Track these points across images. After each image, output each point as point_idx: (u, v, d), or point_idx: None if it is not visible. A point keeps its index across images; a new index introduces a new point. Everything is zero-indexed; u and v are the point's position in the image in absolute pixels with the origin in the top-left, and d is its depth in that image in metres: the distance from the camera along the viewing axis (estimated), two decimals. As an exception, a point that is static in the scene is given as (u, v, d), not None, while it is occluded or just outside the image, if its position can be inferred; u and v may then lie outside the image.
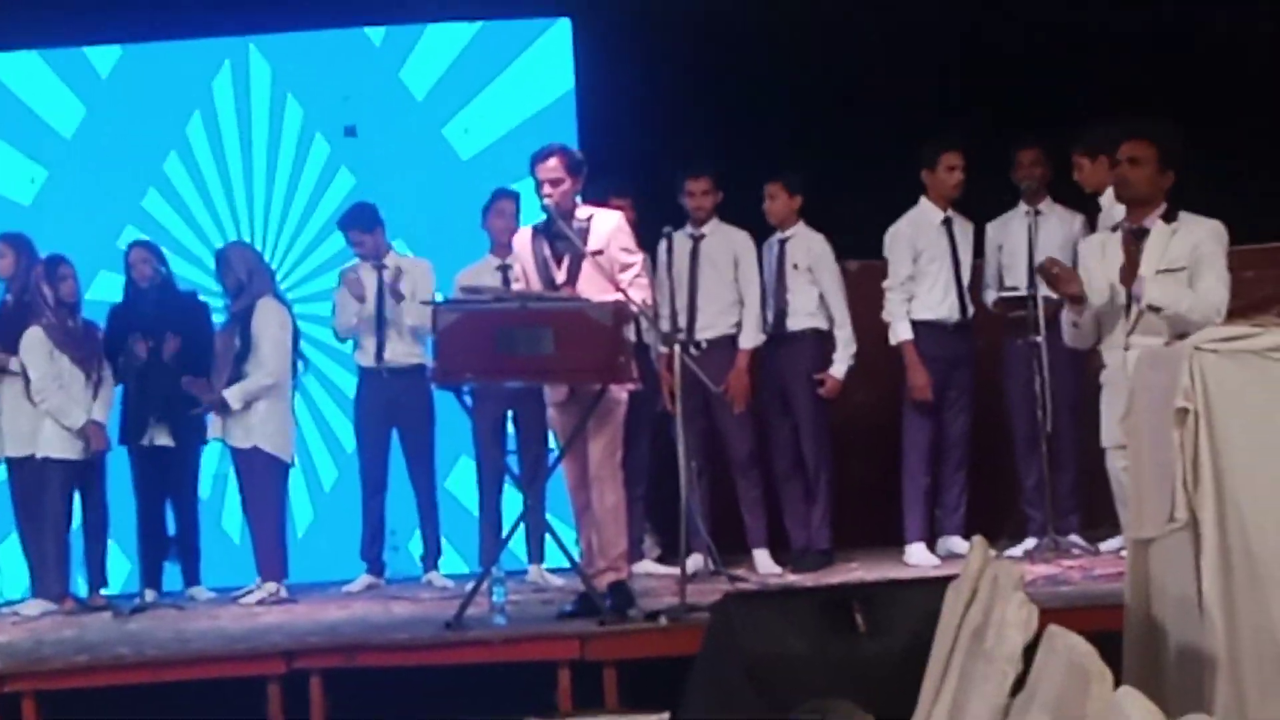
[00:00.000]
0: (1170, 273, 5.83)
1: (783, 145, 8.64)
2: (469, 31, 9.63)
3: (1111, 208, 6.92)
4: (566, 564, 7.22)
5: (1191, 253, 5.85)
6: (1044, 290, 7.50)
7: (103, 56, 9.76)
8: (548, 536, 7.54)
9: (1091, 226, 7.52)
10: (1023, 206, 7.82)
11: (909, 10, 8.07)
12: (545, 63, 9.59)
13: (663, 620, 6.44)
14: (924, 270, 7.90)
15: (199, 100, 9.77)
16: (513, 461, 8.19)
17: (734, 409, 7.93)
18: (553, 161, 6.74)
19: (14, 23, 8.18)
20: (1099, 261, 5.87)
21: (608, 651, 6.29)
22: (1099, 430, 6.14)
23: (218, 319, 8.55)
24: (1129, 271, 5.84)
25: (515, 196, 8.32)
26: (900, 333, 7.88)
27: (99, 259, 9.11)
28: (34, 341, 8.20)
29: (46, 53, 9.69)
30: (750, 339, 7.98)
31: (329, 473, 9.49)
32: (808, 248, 8.04)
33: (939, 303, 7.91)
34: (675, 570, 7.11)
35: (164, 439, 8.30)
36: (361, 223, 8.42)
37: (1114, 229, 6.04)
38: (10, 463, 8.39)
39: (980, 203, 8.04)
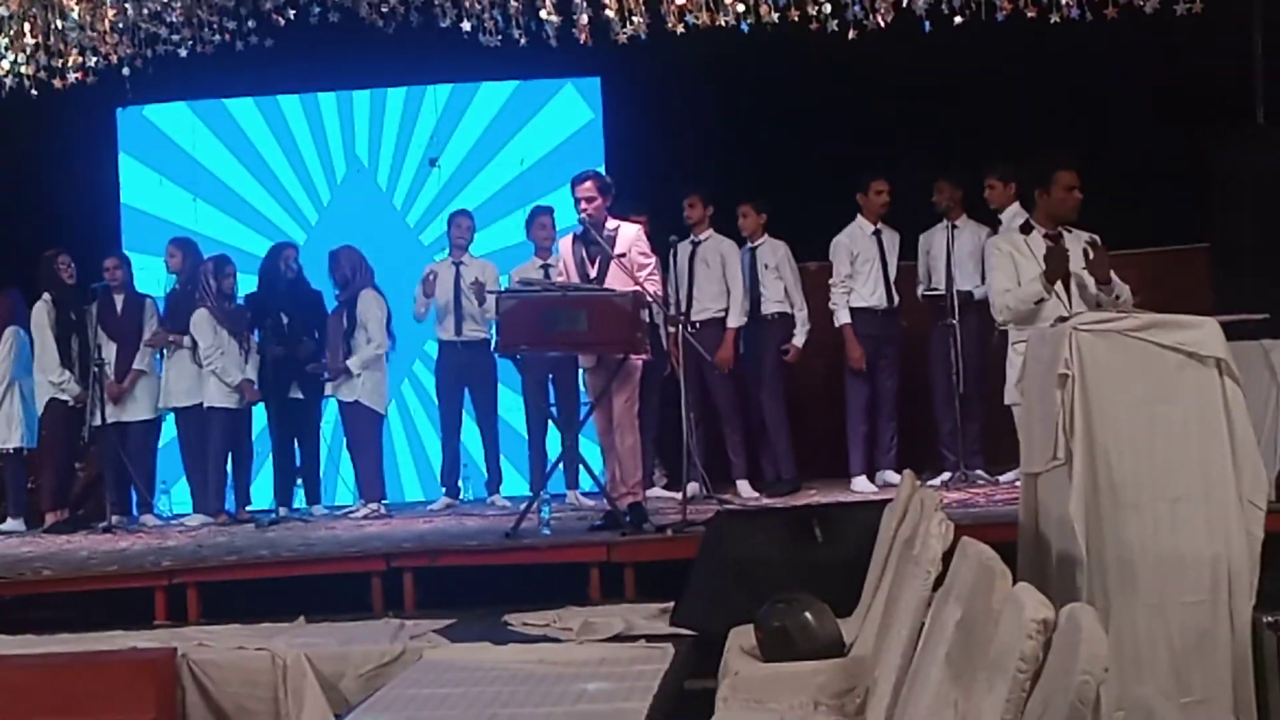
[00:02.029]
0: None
1: (760, 173, 8.62)
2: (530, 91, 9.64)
3: (1012, 220, 6.91)
4: (596, 489, 7.24)
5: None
6: (958, 286, 7.58)
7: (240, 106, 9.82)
8: (581, 468, 7.56)
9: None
10: (944, 221, 7.83)
11: (855, 70, 8.03)
12: (578, 108, 9.61)
13: (669, 532, 6.45)
14: (859, 270, 7.94)
15: (316, 136, 9.76)
16: (554, 411, 8.20)
17: (721, 372, 7.94)
18: (588, 184, 6.75)
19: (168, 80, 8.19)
20: (1026, 257, 5.73)
21: (627, 555, 6.29)
22: (999, 391, 6.11)
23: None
24: (1102, 268, 5.58)
25: (551, 211, 8.32)
26: (841, 318, 7.93)
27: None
28: (201, 319, 8.22)
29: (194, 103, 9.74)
30: (735, 320, 7.98)
31: (416, 420, 9.51)
32: (772, 252, 8.08)
33: (871, 294, 7.95)
34: (678, 495, 7.13)
35: (296, 394, 8.32)
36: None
37: (1024, 232, 5.87)
38: (178, 412, 8.43)
39: (912, 216, 8.04)
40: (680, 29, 6.95)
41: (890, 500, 4.76)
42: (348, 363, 8.14)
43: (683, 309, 7.84)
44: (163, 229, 9.36)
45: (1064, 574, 4.24)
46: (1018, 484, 5.62)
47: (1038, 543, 4.60)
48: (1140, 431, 4.21)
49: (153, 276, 8.96)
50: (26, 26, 7.34)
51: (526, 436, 8.52)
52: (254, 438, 8.55)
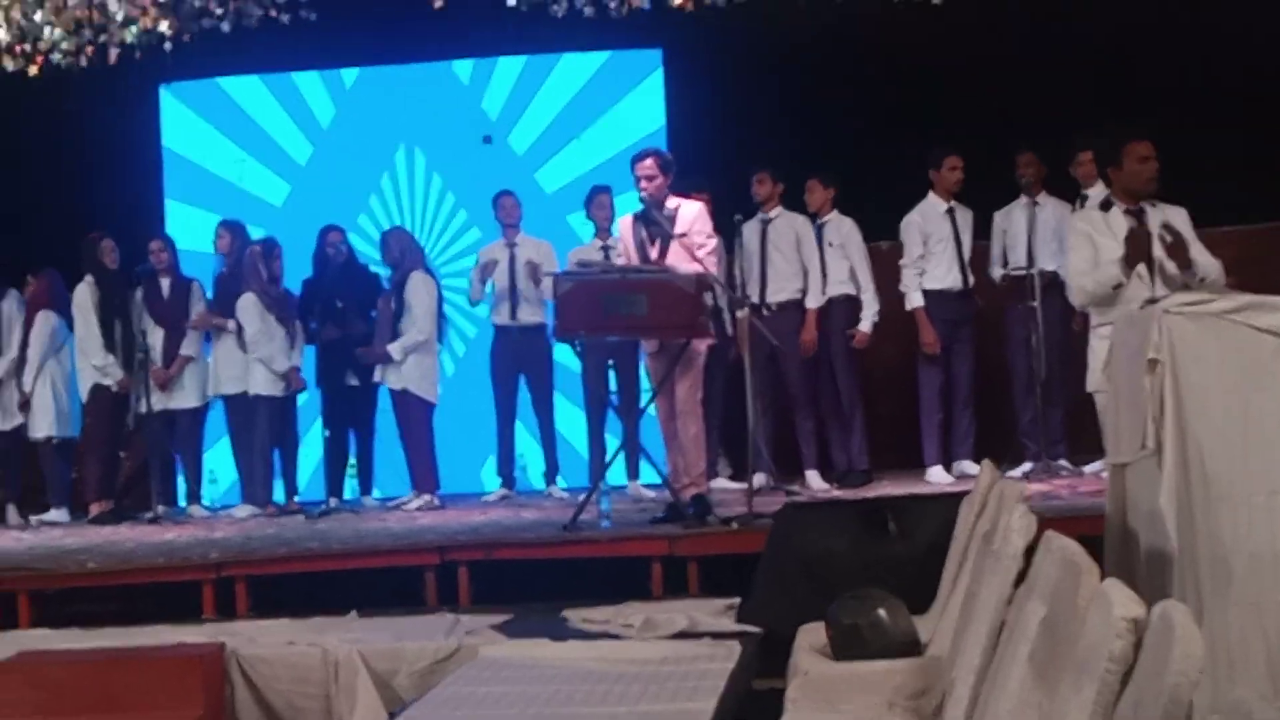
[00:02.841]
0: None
1: (827, 148, 8.58)
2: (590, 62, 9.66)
3: (1097, 197, 6.84)
4: (658, 480, 7.24)
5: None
6: (1040, 265, 7.51)
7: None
8: (643, 458, 7.56)
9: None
10: (1023, 198, 7.76)
11: (926, 40, 7.98)
12: (643, 83, 9.61)
13: (734, 525, 6.44)
14: (932, 250, 7.87)
15: (374, 115, 9.84)
16: (613, 398, 8.21)
17: (804, 357, 7.91)
18: (649, 161, 6.74)
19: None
20: (1106, 236, 5.66)
21: (690, 549, 6.29)
22: (1084, 377, 6.05)
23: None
24: (1180, 253, 5.49)
25: (609, 190, 8.32)
26: (913, 301, 7.87)
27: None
28: (248, 304, 8.28)
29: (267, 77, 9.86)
30: (814, 300, 7.96)
31: (469, 407, 9.55)
32: (839, 229, 8.03)
33: (945, 275, 7.88)
34: (744, 486, 7.11)
35: (353, 380, 8.38)
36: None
37: (1103, 208, 5.81)
38: (225, 399, 8.51)
39: (983, 193, 7.97)
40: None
41: (968, 492, 4.73)
42: (389, 348, 8.15)
43: (751, 292, 7.83)
44: (209, 187, 9.51)
45: (1154, 570, 4.20)
46: (1103, 475, 5.56)
47: (1125, 537, 4.55)
48: (1234, 420, 4.15)
49: (197, 233, 9.04)
50: (69, 1, 7.45)
51: (585, 425, 8.54)
52: (303, 426, 8.63)
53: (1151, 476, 4.23)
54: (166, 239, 8.76)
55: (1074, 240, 5.76)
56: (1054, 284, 7.62)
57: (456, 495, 8.69)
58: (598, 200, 8.31)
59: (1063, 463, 7.63)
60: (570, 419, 8.84)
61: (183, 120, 9.94)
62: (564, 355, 8.48)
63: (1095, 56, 8.40)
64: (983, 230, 8.03)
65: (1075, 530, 3.16)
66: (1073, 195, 7.71)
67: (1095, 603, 2.44)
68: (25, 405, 8.66)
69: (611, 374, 8.29)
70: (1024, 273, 7.57)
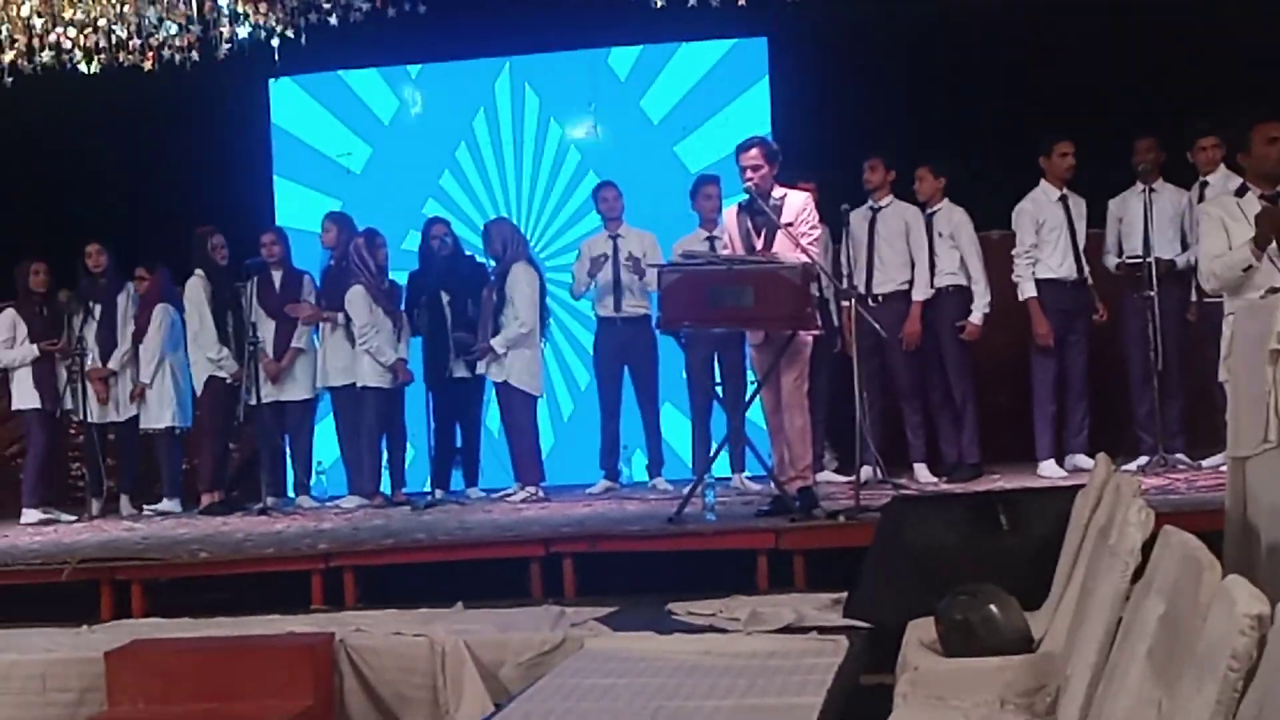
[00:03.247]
0: None
1: (935, 136, 8.51)
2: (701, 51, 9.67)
3: (1225, 183, 6.71)
4: (763, 473, 7.23)
5: None
6: (1156, 254, 7.38)
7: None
8: (748, 451, 7.54)
9: (1194, 202, 7.38)
10: (1139, 185, 7.61)
11: (1039, 23, 7.88)
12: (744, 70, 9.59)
13: (841, 518, 6.41)
14: (1045, 239, 7.74)
15: (484, 102, 9.92)
16: (718, 390, 8.19)
17: (907, 349, 7.85)
18: (754, 151, 6.71)
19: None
20: (1238, 221, 5.56)
21: (797, 542, 6.27)
22: (1201, 368, 5.93)
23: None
24: None
25: (717, 180, 8.29)
26: (1026, 291, 7.75)
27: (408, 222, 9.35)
28: (357, 296, 8.39)
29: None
30: (922, 293, 7.89)
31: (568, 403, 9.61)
32: (949, 219, 7.93)
33: (1059, 265, 7.74)
34: (851, 479, 7.08)
35: (461, 372, 8.44)
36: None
37: (1238, 195, 5.71)
38: (333, 390, 8.63)
39: (1094, 182, 7.85)
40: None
41: (1082, 486, 4.65)
42: (492, 342, 8.19)
43: (861, 281, 7.78)
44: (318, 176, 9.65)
45: (1276, 567, 4.10)
46: (1223, 469, 5.45)
47: (1246, 533, 4.45)
48: (1360, 412, 4.05)
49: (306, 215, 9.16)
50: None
51: (690, 417, 8.54)
52: (410, 418, 8.72)
53: (1274, 470, 4.14)
54: (279, 232, 8.91)
55: (1207, 225, 5.66)
56: (1171, 273, 7.49)
57: (560, 488, 8.74)
58: (704, 191, 8.29)
59: (1180, 456, 7.50)
60: (674, 411, 8.85)
61: (292, 104, 10.09)
62: (668, 347, 8.49)
63: (1214, 39, 8.21)
64: (1096, 218, 7.90)
65: (1193, 525, 3.09)
66: (1189, 182, 7.56)
67: (1217, 599, 2.40)
68: (138, 397, 8.85)
69: (716, 366, 8.28)
70: (1140, 261, 7.45)
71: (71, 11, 7.54)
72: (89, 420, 8.86)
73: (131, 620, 6.31)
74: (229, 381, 8.64)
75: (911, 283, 7.91)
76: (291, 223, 9.48)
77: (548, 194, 9.86)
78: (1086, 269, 7.78)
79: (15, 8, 7.51)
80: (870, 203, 7.99)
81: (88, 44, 7.80)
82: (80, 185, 9.57)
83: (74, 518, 8.74)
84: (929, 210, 7.99)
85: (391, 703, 5.26)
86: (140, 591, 6.54)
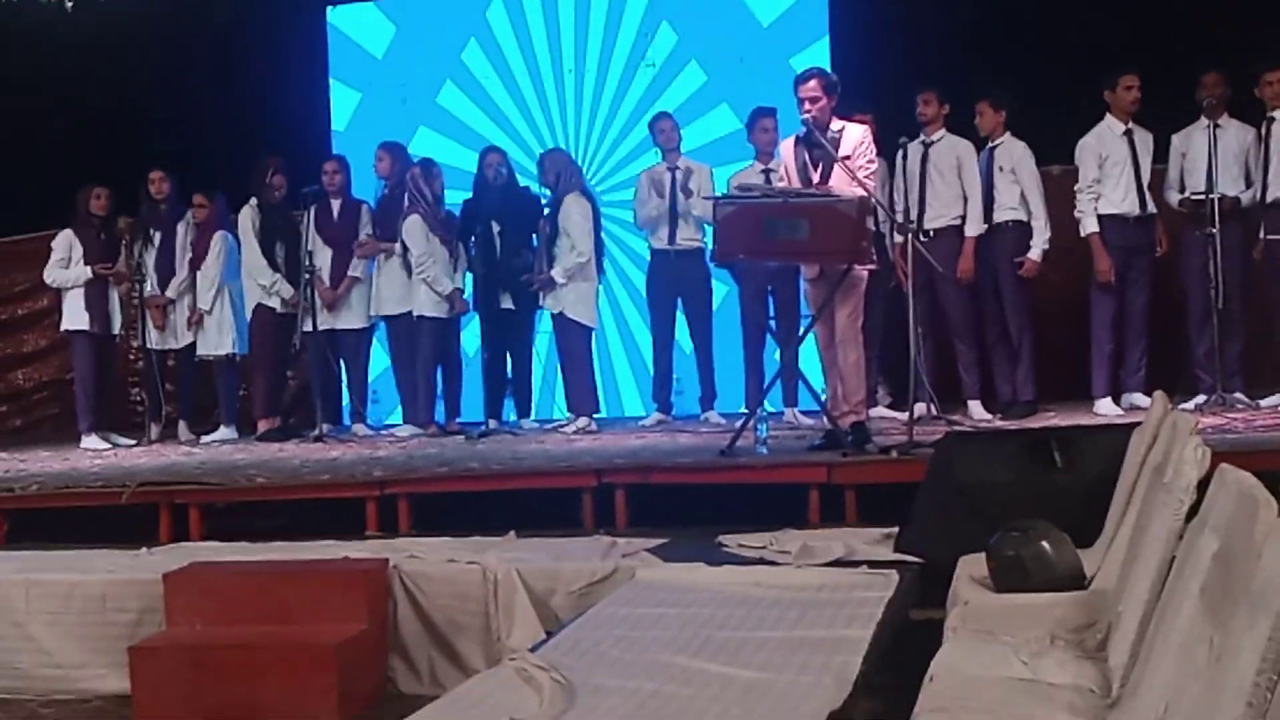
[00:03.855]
0: None
1: (994, 68, 8.40)
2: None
3: None
4: (816, 407, 7.22)
5: None
6: (1219, 191, 7.28)
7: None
8: (801, 385, 7.54)
9: (1260, 139, 7.27)
10: (1204, 120, 7.50)
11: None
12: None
13: (894, 454, 6.39)
14: (1109, 174, 7.64)
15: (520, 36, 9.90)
16: (772, 324, 8.18)
17: (960, 285, 7.81)
18: (813, 83, 6.64)
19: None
20: None
21: (849, 477, 6.27)
22: (1263, 306, 5.86)
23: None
24: None
25: (774, 113, 8.22)
26: (1088, 227, 7.66)
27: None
28: (414, 226, 8.39)
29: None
30: (974, 228, 7.82)
31: (627, 334, 9.61)
32: (1010, 153, 7.84)
33: (1122, 200, 7.64)
34: (904, 415, 7.06)
35: (508, 304, 8.45)
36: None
37: None
38: (388, 320, 8.68)
39: (1158, 116, 7.73)
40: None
41: (1138, 424, 4.62)
42: (552, 272, 8.21)
43: (912, 216, 7.72)
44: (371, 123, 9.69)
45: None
46: (1282, 409, 5.41)
47: (1305, 473, 4.41)
48: None
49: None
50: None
51: (743, 351, 8.53)
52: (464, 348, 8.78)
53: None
54: (341, 160, 8.92)
55: None
56: (1234, 210, 7.39)
57: (614, 419, 8.77)
58: (761, 124, 8.21)
59: (1239, 395, 7.43)
60: (728, 345, 8.85)
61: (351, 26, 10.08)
62: (723, 282, 8.48)
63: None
64: (1160, 154, 7.79)
65: (1251, 465, 3.07)
66: (1255, 119, 7.43)
67: (1273, 536, 2.38)
68: (195, 324, 8.93)
69: (770, 299, 8.26)
70: (1203, 198, 7.35)
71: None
72: (149, 346, 8.96)
73: (189, 543, 6.41)
74: (279, 310, 8.69)
75: (964, 218, 7.83)
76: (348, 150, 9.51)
77: (608, 125, 9.81)
78: (1151, 204, 7.68)
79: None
80: (922, 137, 7.90)
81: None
82: (142, 113, 9.64)
83: (133, 442, 8.86)
84: (991, 144, 7.90)
85: (444, 628, 5.33)
86: (198, 515, 6.64)
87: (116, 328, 8.99)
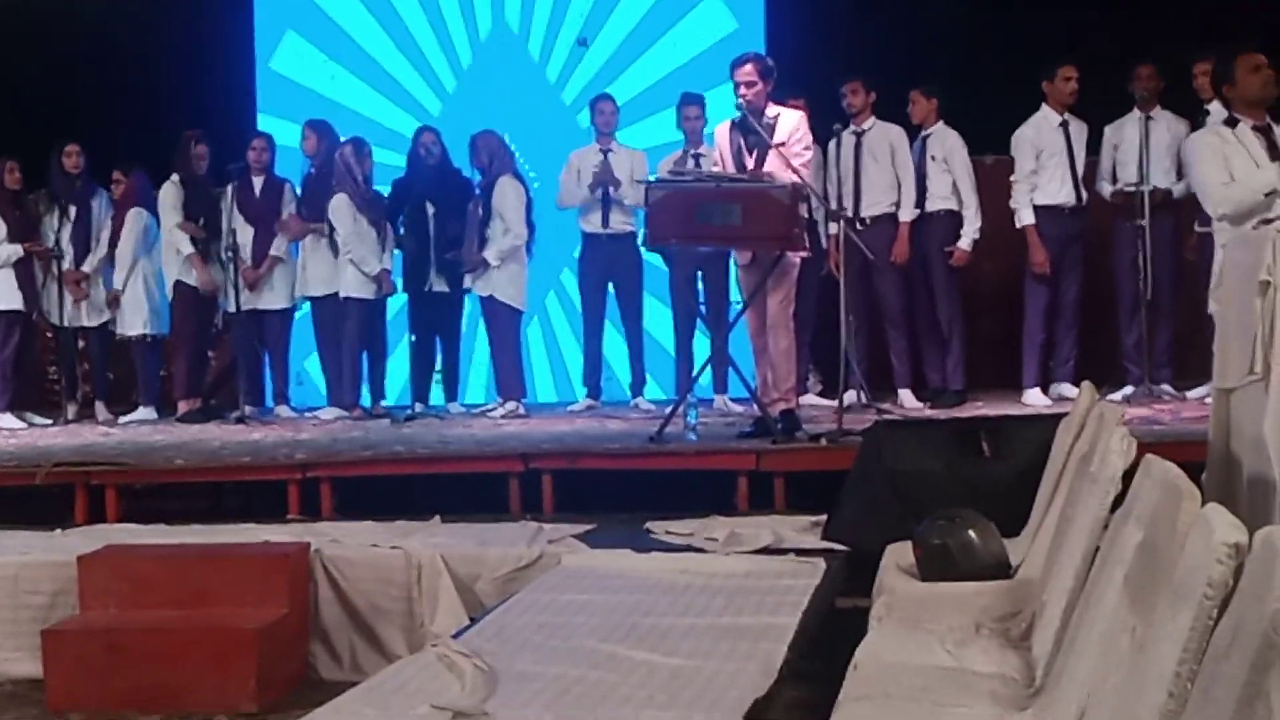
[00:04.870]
0: None
1: (930, 57, 8.45)
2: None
3: (1220, 113, 6.70)
4: (746, 394, 7.24)
5: None
6: (1151, 184, 7.37)
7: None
8: (731, 371, 7.56)
9: (1192, 131, 7.35)
10: (1136, 112, 7.59)
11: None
12: None
13: (823, 441, 6.43)
14: (1044, 165, 7.72)
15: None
16: (702, 310, 8.19)
17: (895, 270, 7.85)
18: (748, 67, 6.65)
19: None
20: (1236, 150, 5.58)
21: (778, 464, 6.30)
22: (1192, 299, 5.95)
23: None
24: None
25: (701, 99, 8.21)
26: (1024, 218, 7.73)
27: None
28: (341, 205, 8.30)
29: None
30: (908, 214, 7.88)
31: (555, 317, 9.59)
32: (942, 142, 7.91)
33: (1058, 191, 7.73)
34: (834, 402, 7.10)
35: (440, 286, 8.41)
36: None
37: (1229, 125, 5.72)
38: (314, 301, 8.60)
39: (1091, 107, 7.81)
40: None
41: (1065, 414, 4.68)
42: (484, 254, 8.18)
43: (848, 204, 7.76)
44: (300, 95, 9.59)
45: (1256, 498, 4.13)
46: (1207, 401, 5.47)
47: (1228, 464, 4.48)
48: (1349, 347, 4.06)
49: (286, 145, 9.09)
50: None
51: (673, 336, 8.54)
52: (390, 331, 8.72)
53: (1258, 402, 4.15)
54: (267, 137, 8.83)
55: (1205, 153, 5.66)
56: (1165, 202, 7.49)
57: (542, 405, 8.75)
58: (688, 110, 8.21)
59: (1166, 387, 7.55)
60: (659, 330, 8.85)
61: (276, 29, 9.96)
62: (655, 264, 8.48)
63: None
64: (1094, 145, 7.87)
65: (1177, 456, 3.10)
66: (1188, 111, 7.52)
67: (1195, 528, 2.41)
68: (114, 303, 8.81)
69: (700, 285, 8.27)
70: (1135, 190, 7.45)
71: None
72: (63, 324, 8.82)
73: (105, 525, 6.31)
74: (198, 289, 8.58)
75: (898, 204, 7.88)
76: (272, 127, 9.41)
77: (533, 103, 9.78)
78: (1085, 196, 7.76)
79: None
80: (853, 126, 7.93)
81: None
82: (57, 82, 9.43)
83: (49, 421, 8.73)
84: (923, 133, 7.96)
85: (366, 614, 5.29)
86: (115, 497, 6.54)
87: (43, 305, 8.83)
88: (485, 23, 9.81)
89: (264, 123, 9.75)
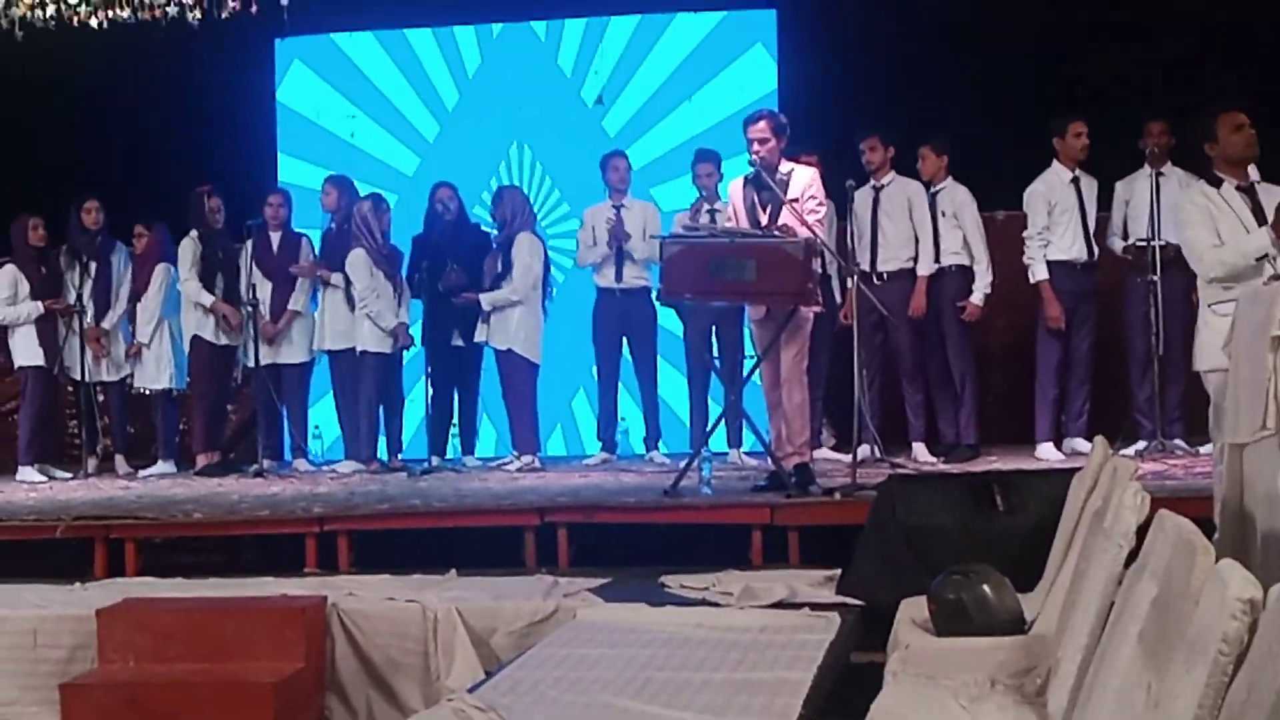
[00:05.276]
0: None
1: (941, 113, 8.49)
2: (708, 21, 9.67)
3: (1178, 175, 6.75)
4: (760, 448, 7.24)
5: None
6: (1162, 239, 7.38)
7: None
8: (745, 425, 7.56)
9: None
10: (1147, 168, 7.62)
11: (1053, 8, 7.90)
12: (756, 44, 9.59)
13: (837, 495, 6.43)
14: (1057, 220, 7.74)
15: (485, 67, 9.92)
16: (717, 364, 8.20)
17: (913, 324, 7.86)
18: (762, 124, 6.70)
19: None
20: (1223, 212, 5.59)
21: (792, 518, 6.30)
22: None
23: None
24: None
25: (716, 157, 8.25)
26: (1038, 273, 7.75)
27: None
28: (358, 260, 8.37)
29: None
30: (926, 268, 7.89)
31: (572, 371, 9.60)
32: (953, 198, 7.94)
33: (1070, 246, 7.74)
34: (848, 456, 7.09)
35: (458, 340, 8.44)
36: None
37: (1213, 185, 5.72)
38: (331, 354, 8.63)
39: (1101, 163, 7.84)
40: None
41: (1079, 469, 4.67)
42: (480, 297, 8.20)
43: (864, 259, 7.79)
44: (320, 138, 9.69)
45: (1270, 554, 4.12)
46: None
47: (1241, 519, 4.47)
48: (1360, 402, 4.06)
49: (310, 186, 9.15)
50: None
51: (688, 390, 8.55)
52: (407, 384, 8.74)
53: (1270, 457, 4.15)
54: (285, 194, 8.90)
55: (1194, 215, 5.65)
56: (1177, 258, 7.47)
57: (557, 458, 8.76)
58: (702, 167, 8.23)
59: (1179, 442, 7.53)
60: (673, 384, 8.86)
61: (298, 74, 10.07)
62: (668, 320, 8.50)
63: (1232, 23, 8.19)
64: (1104, 201, 7.90)
65: (1190, 511, 3.11)
66: (1199, 167, 7.53)
67: (1210, 583, 2.41)
68: (134, 356, 8.85)
69: (715, 340, 8.28)
70: (1146, 245, 7.47)
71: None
72: (85, 378, 8.86)
73: (124, 579, 6.33)
74: (216, 343, 8.62)
75: (916, 259, 7.91)
76: (292, 181, 9.47)
77: (544, 169, 9.86)
78: (1097, 251, 7.79)
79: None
80: (873, 181, 7.99)
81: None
82: (81, 140, 9.53)
83: (69, 475, 8.76)
84: (932, 189, 7.99)
85: (382, 667, 5.29)
86: (134, 550, 6.57)
87: (65, 361, 8.89)
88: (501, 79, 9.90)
89: (284, 164, 9.84)
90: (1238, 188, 5.62)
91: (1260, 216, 5.50)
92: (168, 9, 7.80)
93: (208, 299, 8.59)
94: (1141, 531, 3.22)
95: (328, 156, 9.71)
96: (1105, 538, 3.43)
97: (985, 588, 4.17)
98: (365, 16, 9.56)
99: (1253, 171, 5.88)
